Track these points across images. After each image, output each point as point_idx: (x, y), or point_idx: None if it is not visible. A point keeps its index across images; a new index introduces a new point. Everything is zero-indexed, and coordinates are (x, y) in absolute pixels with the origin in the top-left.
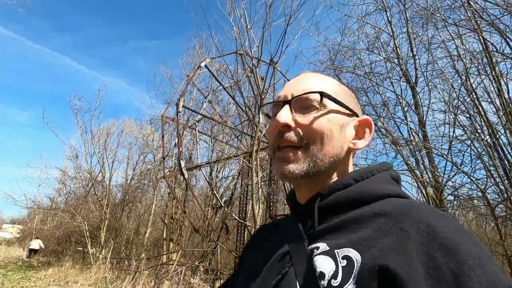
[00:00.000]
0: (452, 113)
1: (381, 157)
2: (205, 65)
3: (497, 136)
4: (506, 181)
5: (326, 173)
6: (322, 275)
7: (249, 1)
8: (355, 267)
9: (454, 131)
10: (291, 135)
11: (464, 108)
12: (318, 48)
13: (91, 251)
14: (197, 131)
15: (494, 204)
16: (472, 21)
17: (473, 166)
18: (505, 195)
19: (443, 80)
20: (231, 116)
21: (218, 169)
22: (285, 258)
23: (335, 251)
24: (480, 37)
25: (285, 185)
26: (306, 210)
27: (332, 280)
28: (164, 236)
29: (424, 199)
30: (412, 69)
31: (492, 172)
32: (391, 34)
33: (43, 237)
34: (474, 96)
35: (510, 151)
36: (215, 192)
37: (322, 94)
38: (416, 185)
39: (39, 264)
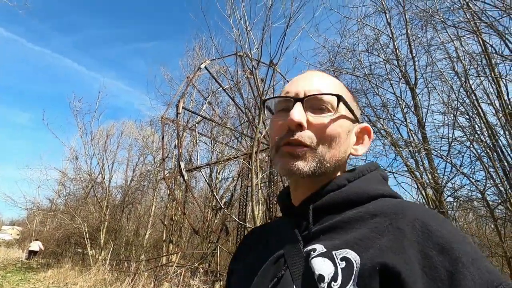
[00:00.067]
0: (452, 115)
1: (381, 159)
2: (205, 67)
3: (497, 137)
4: (506, 182)
5: (328, 176)
6: (321, 277)
7: (249, 3)
8: (355, 268)
9: (453, 133)
10: (303, 135)
11: (463, 110)
12: (317, 49)
13: (91, 253)
14: (197, 133)
15: (493, 206)
16: (471, 23)
17: (472, 167)
18: (505, 196)
19: (443, 82)
20: (231, 118)
21: (218, 171)
22: (279, 261)
23: (333, 252)
24: (479, 39)
25: (285, 186)
26: (300, 211)
27: (332, 283)
28: (164, 238)
29: (424, 201)
30: (411, 70)
31: (492, 173)
32: (390, 36)
33: (42, 238)
34: (474, 98)
35: (509, 152)
36: (214, 193)
37: (340, 98)
38: (416, 187)
39: (39, 266)
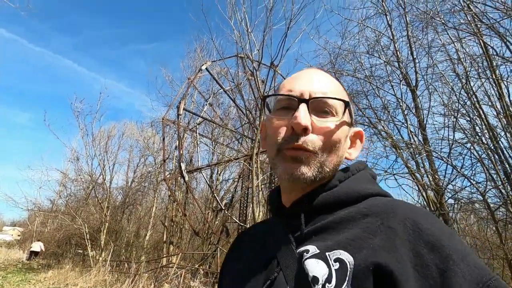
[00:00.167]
0: (453, 116)
1: (382, 160)
2: (206, 68)
3: (498, 139)
4: (507, 184)
5: (325, 179)
6: (315, 279)
7: (249, 4)
8: (349, 269)
9: (454, 135)
10: (308, 140)
11: (464, 111)
12: (318, 51)
13: (91, 254)
14: (197, 134)
15: (494, 208)
16: (472, 24)
17: (473, 169)
18: (506, 198)
19: (443, 84)
20: (232, 119)
21: (219, 172)
22: (272, 263)
23: (326, 254)
24: (480, 40)
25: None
26: (292, 212)
27: (327, 284)
28: (164, 239)
29: (424, 203)
30: (412, 72)
31: (493, 175)
32: (391, 37)
33: (43, 239)
34: (475, 100)
35: (511, 154)
36: (215, 194)
37: (347, 105)
38: (416, 189)
39: (39, 267)
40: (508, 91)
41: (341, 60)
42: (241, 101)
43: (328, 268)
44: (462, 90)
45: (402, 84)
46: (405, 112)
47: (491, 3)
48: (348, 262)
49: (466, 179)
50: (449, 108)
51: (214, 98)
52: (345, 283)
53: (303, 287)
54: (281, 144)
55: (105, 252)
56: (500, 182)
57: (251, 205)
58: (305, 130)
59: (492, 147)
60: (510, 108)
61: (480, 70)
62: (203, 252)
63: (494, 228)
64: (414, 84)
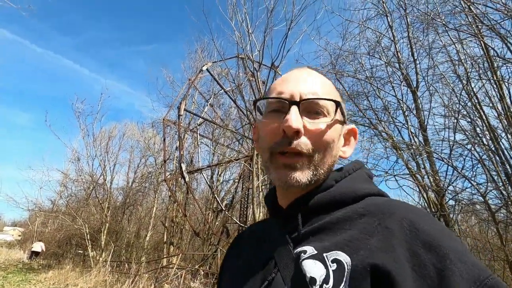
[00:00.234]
0: (453, 117)
1: (382, 161)
2: (207, 69)
3: (499, 140)
4: (508, 185)
5: (321, 180)
6: (313, 280)
7: (250, 5)
8: (346, 270)
9: (455, 136)
10: (301, 143)
11: (465, 113)
12: (319, 52)
13: (92, 254)
14: (198, 135)
15: (495, 209)
16: (473, 26)
17: (474, 170)
18: (507, 199)
19: (444, 85)
20: (233, 120)
21: (219, 173)
22: (269, 264)
23: (324, 254)
24: (481, 42)
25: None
26: (289, 213)
27: (324, 285)
28: (165, 240)
29: (425, 204)
30: (413, 73)
31: (494, 176)
32: (392, 38)
33: (44, 239)
34: (476, 101)
35: None
36: (216, 195)
37: (339, 105)
38: (417, 190)
39: (40, 267)
40: (509, 92)
41: (342, 61)
42: (241, 102)
43: (325, 269)
44: (463, 91)
45: (403, 85)
46: (406, 113)
47: (492, 4)
48: (346, 263)
49: (467, 180)
50: (450, 109)
51: (215, 98)
52: (343, 284)
53: None
54: (273, 148)
55: (105, 253)
56: (501, 183)
57: (251, 206)
58: (297, 133)
59: (493, 148)
60: (511, 109)
61: (481, 71)
62: (204, 252)
63: (495, 229)
64: (415, 85)
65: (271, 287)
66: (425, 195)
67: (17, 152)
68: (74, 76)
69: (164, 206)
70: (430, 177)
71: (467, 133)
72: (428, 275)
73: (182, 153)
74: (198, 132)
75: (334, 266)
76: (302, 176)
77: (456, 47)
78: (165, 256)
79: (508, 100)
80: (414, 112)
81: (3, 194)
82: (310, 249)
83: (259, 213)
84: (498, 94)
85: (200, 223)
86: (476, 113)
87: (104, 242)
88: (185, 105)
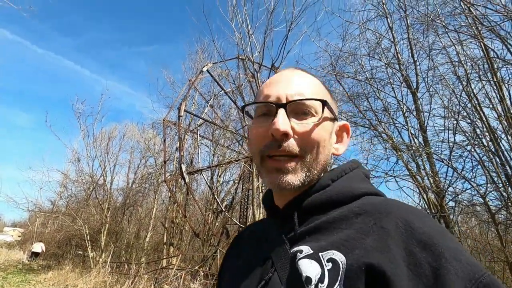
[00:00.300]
0: (453, 119)
1: (382, 162)
2: (207, 70)
3: (498, 141)
4: (508, 186)
5: (315, 180)
6: (308, 279)
7: (251, 7)
8: (341, 269)
9: (455, 137)
10: (290, 144)
11: (465, 114)
12: (319, 53)
13: (91, 255)
14: (198, 135)
15: (495, 211)
16: (473, 27)
17: (474, 171)
18: (506, 201)
19: (444, 86)
20: (233, 121)
21: (219, 174)
22: (266, 263)
23: (320, 254)
24: (481, 43)
25: None
26: (285, 213)
27: (319, 284)
28: (165, 240)
29: (425, 205)
30: (413, 74)
31: (494, 178)
32: (392, 40)
33: (43, 240)
34: (475, 102)
35: None
36: (216, 196)
37: (325, 104)
38: (417, 191)
39: (39, 268)
40: (509, 93)
41: (342, 62)
42: (242, 103)
43: (321, 268)
44: (463, 92)
45: (403, 86)
46: (406, 114)
47: (491, 6)
48: (341, 262)
49: (466, 182)
50: (450, 110)
51: (215, 99)
52: (337, 283)
53: (297, 287)
54: (263, 151)
55: (105, 253)
56: (501, 184)
57: (251, 207)
58: (285, 135)
59: (493, 150)
60: (511, 110)
61: (481, 73)
62: (203, 253)
63: (495, 231)
64: (415, 86)
65: (268, 287)
66: (425, 196)
67: (17, 152)
68: (75, 77)
69: (164, 207)
70: (430, 178)
71: (467, 134)
72: (424, 274)
73: (182, 154)
74: (198, 133)
75: (330, 265)
76: (295, 178)
77: (456, 48)
78: (165, 257)
79: (508, 102)
80: (414, 113)
81: (3, 194)
82: (306, 249)
83: (259, 214)
84: (498, 96)
85: (200, 224)
86: (476, 114)
87: (104, 243)
88: (185, 106)
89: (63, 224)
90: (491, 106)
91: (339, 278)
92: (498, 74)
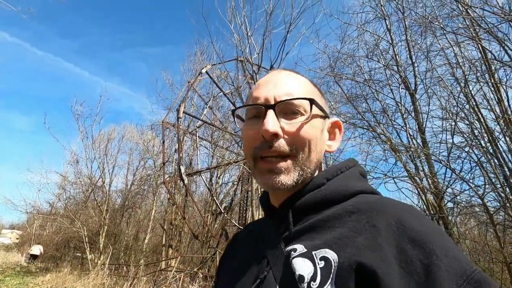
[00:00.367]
0: (451, 120)
1: (381, 163)
2: (206, 72)
3: (496, 142)
4: (506, 187)
5: (309, 178)
6: (301, 278)
7: (249, 9)
8: (333, 267)
9: (453, 138)
10: (281, 144)
11: (463, 115)
12: (318, 55)
13: (90, 257)
14: (197, 137)
15: (493, 211)
16: (471, 29)
17: (472, 172)
18: (505, 201)
19: (442, 87)
20: (232, 122)
21: (218, 175)
22: (262, 262)
23: (313, 252)
24: (479, 45)
25: None
26: (281, 212)
27: (312, 283)
28: (163, 242)
29: (424, 206)
30: (411, 76)
31: (492, 178)
32: (390, 41)
33: (42, 242)
34: (473, 103)
35: (509, 157)
36: (215, 198)
37: (313, 102)
38: (416, 192)
39: (37, 270)
40: (507, 94)
41: (341, 64)
42: (240, 104)
43: (313, 266)
44: (461, 94)
45: (401, 88)
46: (404, 116)
47: (489, 8)
48: (333, 260)
49: (465, 183)
50: (448, 111)
51: (214, 101)
52: (329, 281)
53: (290, 286)
54: (255, 153)
55: (103, 256)
56: (499, 185)
57: (250, 208)
58: (275, 136)
59: (491, 151)
60: (509, 112)
61: (478, 74)
62: (202, 255)
63: (493, 231)
64: (413, 88)
65: (263, 285)
66: (424, 198)
67: (16, 154)
68: (75, 79)
69: (163, 208)
70: (428, 179)
71: (465, 136)
72: (415, 271)
73: (181, 155)
74: (197, 135)
75: (322, 263)
76: (288, 178)
77: (454, 50)
78: (163, 259)
79: (506, 103)
80: (413, 114)
81: (1, 196)
82: (300, 247)
83: (258, 215)
84: (496, 97)
85: (199, 225)
86: (474, 115)
87: (103, 245)
88: (184, 107)
89: (61, 226)
90: (489, 107)
91: (331, 276)
92: (496, 75)
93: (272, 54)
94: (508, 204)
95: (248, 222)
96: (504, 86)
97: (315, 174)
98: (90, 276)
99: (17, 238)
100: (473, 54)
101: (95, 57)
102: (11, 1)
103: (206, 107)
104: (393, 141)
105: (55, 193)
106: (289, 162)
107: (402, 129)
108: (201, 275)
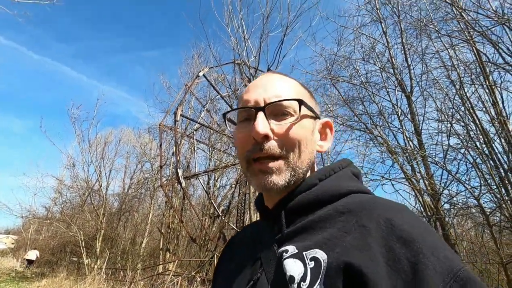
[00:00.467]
0: (447, 122)
1: (378, 165)
2: (203, 75)
3: (491, 143)
4: (502, 188)
5: (301, 179)
6: (292, 278)
7: (246, 12)
8: (322, 267)
9: (449, 140)
10: (272, 146)
11: (459, 117)
12: (314, 58)
13: (86, 262)
14: (195, 140)
15: (489, 212)
16: (465, 32)
17: (468, 174)
18: (500, 202)
19: (438, 90)
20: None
21: (216, 178)
22: (256, 264)
23: (303, 253)
24: (473, 48)
25: None
26: (274, 214)
27: (302, 283)
28: (161, 246)
29: (421, 208)
30: (407, 78)
31: (488, 180)
32: (386, 44)
33: (38, 247)
34: (469, 105)
35: (505, 159)
36: (212, 201)
37: (301, 103)
38: (413, 194)
39: (33, 275)
40: (501, 96)
41: (337, 67)
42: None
43: (304, 267)
44: (456, 96)
45: (398, 90)
46: (401, 118)
47: (483, 11)
48: (322, 260)
49: (461, 184)
50: (444, 113)
51: (211, 104)
52: (318, 281)
53: (281, 287)
54: (247, 156)
55: (100, 260)
56: (495, 186)
57: (248, 211)
58: (266, 137)
59: (487, 152)
60: (504, 113)
61: (473, 76)
62: (200, 259)
63: (489, 232)
64: (409, 90)
65: (257, 286)
66: (421, 199)
67: (11, 158)
68: (72, 83)
69: (160, 212)
70: (425, 181)
71: (461, 137)
72: (402, 269)
73: (178, 158)
74: (194, 138)
75: (312, 264)
76: (279, 179)
77: (449, 52)
78: (161, 262)
79: (501, 105)
80: (409, 116)
81: None
82: (291, 249)
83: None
84: (490, 99)
85: (197, 229)
86: (469, 117)
87: (99, 249)
88: (182, 110)
89: (57, 230)
90: (484, 109)
91: (320, 276)
92: (490, 77)
93: (269, 57)
94: (504, 205)
95: (246, 225)
96: (498, 88)
97: (308, 175)
98: (86, 281)
99: (12, 243)
100: (467, 57)
101: (92, 61)
102: (7, 5)
103: (204, 110)
104: (389, 143)
105: (51, 197)
106: (280, 162)
107: (399, 131)
108: (199, 279)
